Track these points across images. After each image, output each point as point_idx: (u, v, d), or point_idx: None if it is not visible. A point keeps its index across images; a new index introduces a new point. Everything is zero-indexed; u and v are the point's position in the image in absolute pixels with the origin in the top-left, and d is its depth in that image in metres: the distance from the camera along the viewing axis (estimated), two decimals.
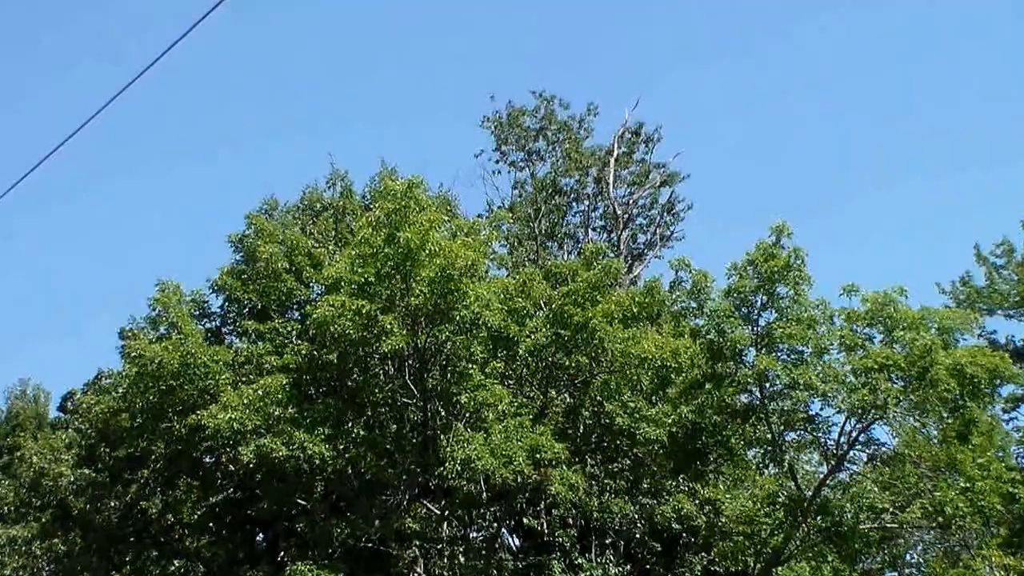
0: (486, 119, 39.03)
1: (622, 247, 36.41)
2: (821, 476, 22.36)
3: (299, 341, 23.70)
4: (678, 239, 38.38)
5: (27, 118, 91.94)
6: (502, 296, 22.02)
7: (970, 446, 20.01)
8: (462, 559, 22.60)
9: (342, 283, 21.31)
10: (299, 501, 23.33)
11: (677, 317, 23.80)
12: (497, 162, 39.04)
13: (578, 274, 22.98)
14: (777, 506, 20.63)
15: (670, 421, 21.95)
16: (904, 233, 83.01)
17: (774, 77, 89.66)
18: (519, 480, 20.00)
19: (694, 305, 21.84)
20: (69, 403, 31.70)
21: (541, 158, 39.05)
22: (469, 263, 20.71)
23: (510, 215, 33.57)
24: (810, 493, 21.23)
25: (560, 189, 38.29)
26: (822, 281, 20.97)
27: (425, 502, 23.11)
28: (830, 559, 19.08)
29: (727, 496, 22.02)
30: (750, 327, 20.64)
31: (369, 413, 22.77)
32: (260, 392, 20.95)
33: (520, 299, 22.28)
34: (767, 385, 20.44)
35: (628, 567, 24.43)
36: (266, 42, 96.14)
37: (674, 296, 23.81)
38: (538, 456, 20.15)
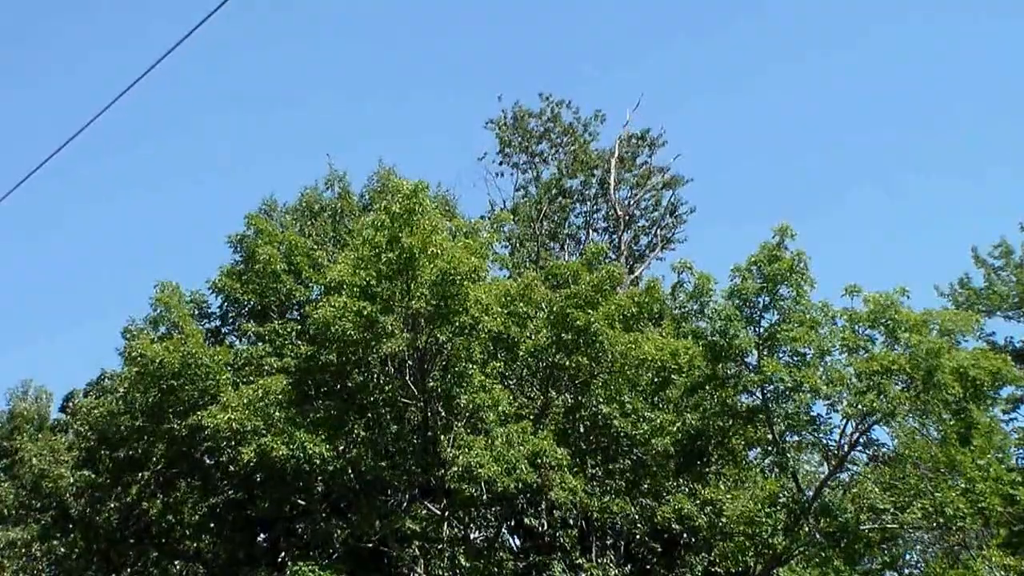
0: (491, 122, 39.14)
1: (623, 248, 36.47)
2: (822, 476, 22.40)
3: (299, 342, 23.73)
4: (680, 241, 38.47)
5: (28, 118, 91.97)
6: (503, 300, 22.07)
7: (970, 448, 20.05)
8: (463, 559, 22.59)
9: (344, 285, 21.34)
10: (300, 502, 23.34)
11: (678, 320, 23.84)
12: (500, 163, 39.17)
13: (579, 275, 23.02)
14: (778, 507, 20.65)
15: (675, 429, 22.03)
16: (904, 233, 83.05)
17: (775, 76, 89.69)
18: (520, 486, 20.08)
19: (696, 307, 21.87)
20: (70, 404, 31.68)
21: (544, 161, 39.13)
22: (472, 268, 20.76)
23: (512, 216, 33.63)
24: (811, 494, 21.26)
25: (565, 190, 38.37)
26: (823, 281, 20.98)
27: (426, 502, 23.13)
28: (833, 560, 19.08)
29: (728, 496, 22.04)
30: (752, 328, 20.68)
31: (369, 414, 22.80)
32: (260, 392, 21.00)
33: (521, 303, 22.35)
34: (769, 387, 20.47)
35: (629, 567, 24.48)
36: (268, 41, 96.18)
37: (677, 300, 23.83)
38: (539, 461, 20.23)
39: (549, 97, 39.24)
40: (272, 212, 28.69)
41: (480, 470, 19.34)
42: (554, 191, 37.91)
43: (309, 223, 28.23)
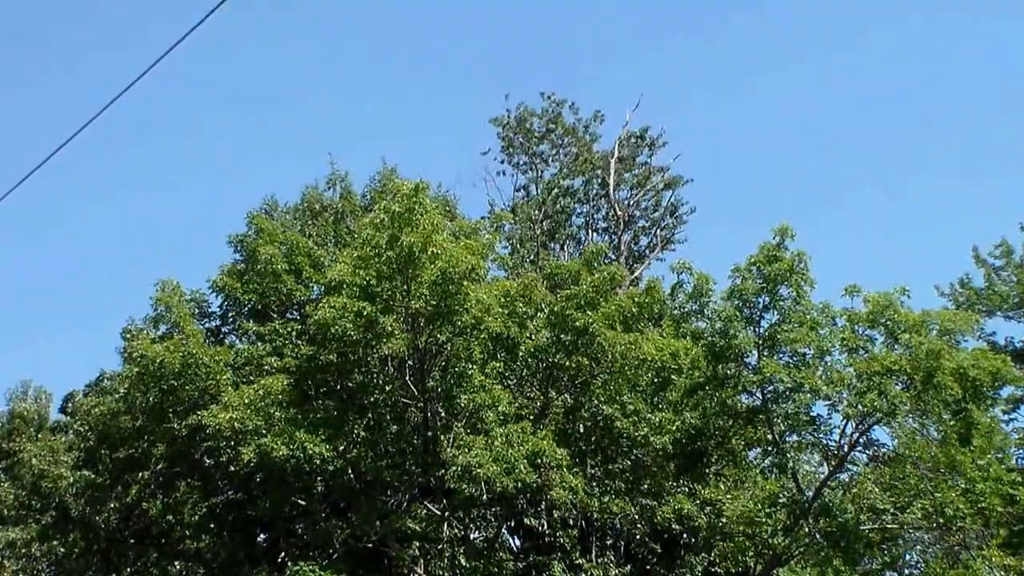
0: (494, 120, 39.12)
1: (623, 249, 36.47)
2: (822, 476, 22.41)
3: (299, 342, 23.74)
4: (680, 242, 38.46)
5: (28, 118, 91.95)
6: (503, 300, 22.08)
7: (970, 448, 20.07)
8: (463, 559, 22.61)
9: (343, 285, 21.35)
10: (299, 502, 23.34)
11: (678, 321, 23.85)
12: (502, 163, 39.16)
13: (580, 275, 23.02)
14: (778, 507, 20.66)
15: (674, 428, 22.04)
16: (904, 233, 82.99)
17: (775, 76, 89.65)
18: (520, 486, 20.10)
19: (695, 308, 21.88)
20: (70, 405, 31.70)
21: (545, 161, 39.13)
22: (470, 268, 20.78)
23: (512, 216, 33.62)
24: (811, 494, 21.26)
25: (567, 191, 38.37)
26: (823, 281, 21.00)
27: (426, 503, 23.14)
28: (833, 560, 19.09)
29: (728, 497, 22.06)
30: (752, 329, 20.69)
31: (369, 414, 22.81)
32: (260, 392, 21.01)
33: (521, 304, 22.35)
34: (769, 387, 20.47)
35: (629, 567, 24.46)
36: (268, 41, 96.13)
37: (676, 302, 23.88)
38: (539, 461, 20.24)
39: (552, 96, 39.28)
40: (273, 212, 28.69)
41: (480, 470, 19.36)
42: (556, 191, 37.91)
43: (310, 223, 28.23)
